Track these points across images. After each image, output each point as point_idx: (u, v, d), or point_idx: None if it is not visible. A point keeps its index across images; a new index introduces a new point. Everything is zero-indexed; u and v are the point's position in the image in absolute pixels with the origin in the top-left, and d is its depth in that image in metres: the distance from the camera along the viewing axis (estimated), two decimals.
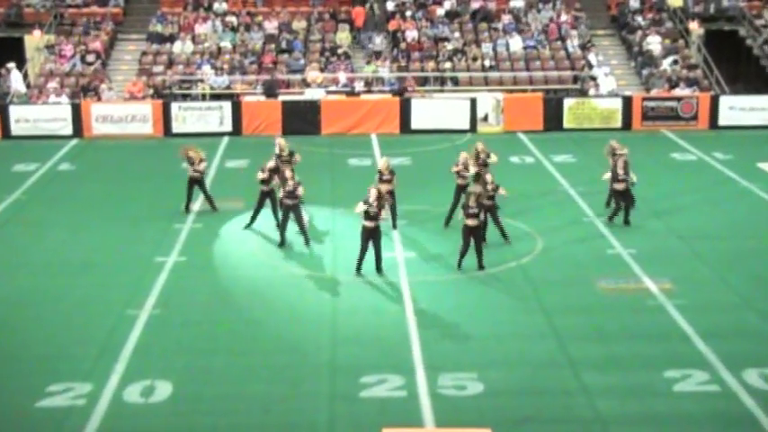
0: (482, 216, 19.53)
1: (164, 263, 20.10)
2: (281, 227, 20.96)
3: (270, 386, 14.69)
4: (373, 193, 18.86)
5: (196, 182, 23.30)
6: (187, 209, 23.24)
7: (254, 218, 22.15)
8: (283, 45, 37.50)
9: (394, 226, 21.87)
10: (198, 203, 23.95)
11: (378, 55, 36.89)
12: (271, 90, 34.10)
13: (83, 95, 34.02)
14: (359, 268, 19.18)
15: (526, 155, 29.82)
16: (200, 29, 38.40)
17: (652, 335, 16.42)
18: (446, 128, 32.80)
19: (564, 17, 39.07)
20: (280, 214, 21.38)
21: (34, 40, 37.54)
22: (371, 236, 18.99)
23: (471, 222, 19.03)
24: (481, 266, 19.34)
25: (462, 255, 19.33)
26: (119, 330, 16.63)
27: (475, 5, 39.76)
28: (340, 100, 34.17)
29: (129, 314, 17.33)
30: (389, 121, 33.18)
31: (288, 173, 20.95)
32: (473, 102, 33.46)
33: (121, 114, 32.77)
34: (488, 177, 20.83)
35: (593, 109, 33.44)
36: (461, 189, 21.43)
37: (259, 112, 33.08)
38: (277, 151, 23.50)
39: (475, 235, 19.19)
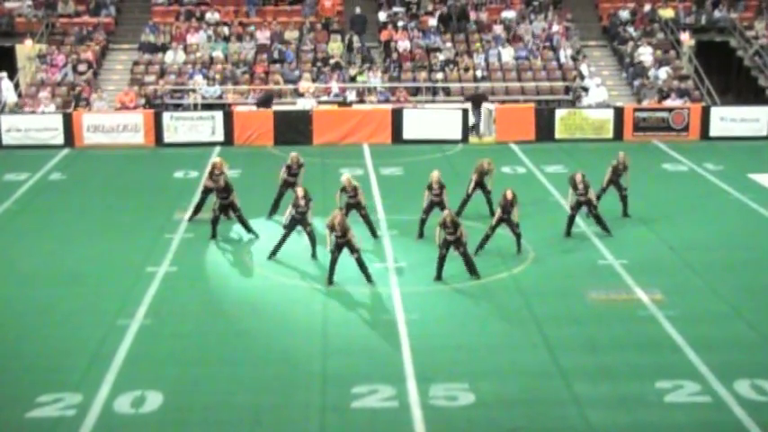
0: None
1: (155, 273, 20.05)
2: (282, 240, 20.93)
3: (261, 396, 14.65)
4: (338, 219, 18.98)
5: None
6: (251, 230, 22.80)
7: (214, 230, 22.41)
8: (275, 55, 37.51)
9: (374, 235, 21.94)
10: (194, 214, 23.97)
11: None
12: (266, 104, 34.04)
13: (74, 105, 33.97)
14: (330, 280, 19.32)
15: (518, 165, 29.85)
16: (192, 39, 38.40)
17: (643, 345, 16.43)
18: (438, 138, 32.84)
19: (555, 28, 39.16)
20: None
21: (26, 50, 37.49)
22: (343, 247, 19.19)
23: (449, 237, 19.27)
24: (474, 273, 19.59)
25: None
26: (109, 340, 16.57)
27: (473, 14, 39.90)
28: (332, 110, 34.18)
29: (120, 324, 17.27)
30: (381, 131, 33.19)
31: (300, 191, 20.93)
32: (465, 112, 33.50)
33: (113, 124, 32.73)
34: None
35: (585, 119, 33.51)
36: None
37: (251, 122, 33.08)
38: (289, 162, 23.52)
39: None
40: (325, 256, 19.72)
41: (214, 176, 22.55)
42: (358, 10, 39.24)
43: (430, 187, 22.08)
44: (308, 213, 20.73)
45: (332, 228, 18.96)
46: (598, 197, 23.01)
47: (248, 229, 22.39)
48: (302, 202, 20.66)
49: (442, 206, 21.82)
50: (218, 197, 22.25)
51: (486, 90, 35.38)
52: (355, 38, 38.35)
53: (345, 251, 19.13)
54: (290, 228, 20.84)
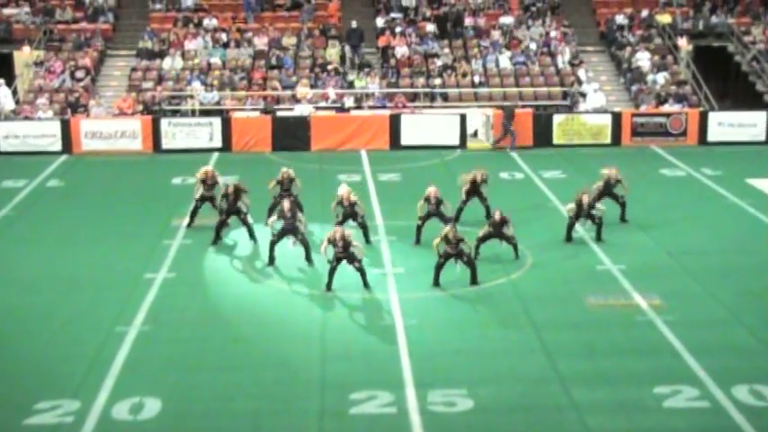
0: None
1: (153, 279, 20.04)
2: (271, 246, 20.90)
3: (259, 403, 14.64)
4: (339, 234, 18.91)
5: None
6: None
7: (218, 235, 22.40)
8: (273, 61, 37.52)
9: (367, 241, 21.94)
10: (204, 220, 23.93)
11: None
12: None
13: (71, 111, 33.96)
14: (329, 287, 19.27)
15: (516, 171, 29.86)
16: (190, 45, 38.41)
17: (642, 351, 16.42)
18: (436, 144, 32.83)
19: (553, 33, 39.19)
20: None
21: (23, 56, 37.52)
22: (343, 260, 19.15)
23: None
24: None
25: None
26: (107, 347, 16.56)
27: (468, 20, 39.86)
28: (330, 116, 34.17)
29: (118, 331, 17.26)
30: (379, 136, 33.19)
31: (286, 204, 20.86)
32: (463, 118, 33.49)
33: (111, 130, 32.73)
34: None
35: (583, 125, 33.52)
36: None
37: (249, 129, 33.08)
38: (279, 178, 23.41)
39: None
40: (322, 261, 19.70)
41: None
42: (354, 24, 39.15)
43: (427, 200, 22.10)
44: (296, 224, 20.63)
45: (333, 242, 18.93)
46: (591, 207, 22.58)
47: (252, 234, 22.33)
48: (288, 214, 20.57)
49: (440, 217, 21.92)
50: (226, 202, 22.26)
51: (517, 102, 35.09)
52: (348, 49, 38.28)
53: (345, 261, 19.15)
54: (278, 237, 20.76)
